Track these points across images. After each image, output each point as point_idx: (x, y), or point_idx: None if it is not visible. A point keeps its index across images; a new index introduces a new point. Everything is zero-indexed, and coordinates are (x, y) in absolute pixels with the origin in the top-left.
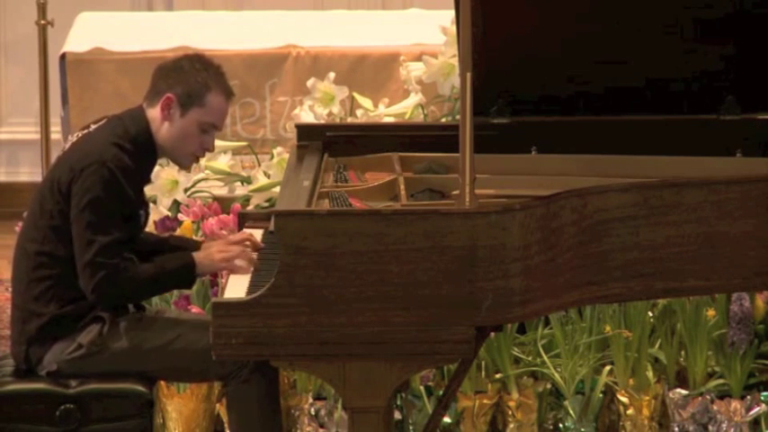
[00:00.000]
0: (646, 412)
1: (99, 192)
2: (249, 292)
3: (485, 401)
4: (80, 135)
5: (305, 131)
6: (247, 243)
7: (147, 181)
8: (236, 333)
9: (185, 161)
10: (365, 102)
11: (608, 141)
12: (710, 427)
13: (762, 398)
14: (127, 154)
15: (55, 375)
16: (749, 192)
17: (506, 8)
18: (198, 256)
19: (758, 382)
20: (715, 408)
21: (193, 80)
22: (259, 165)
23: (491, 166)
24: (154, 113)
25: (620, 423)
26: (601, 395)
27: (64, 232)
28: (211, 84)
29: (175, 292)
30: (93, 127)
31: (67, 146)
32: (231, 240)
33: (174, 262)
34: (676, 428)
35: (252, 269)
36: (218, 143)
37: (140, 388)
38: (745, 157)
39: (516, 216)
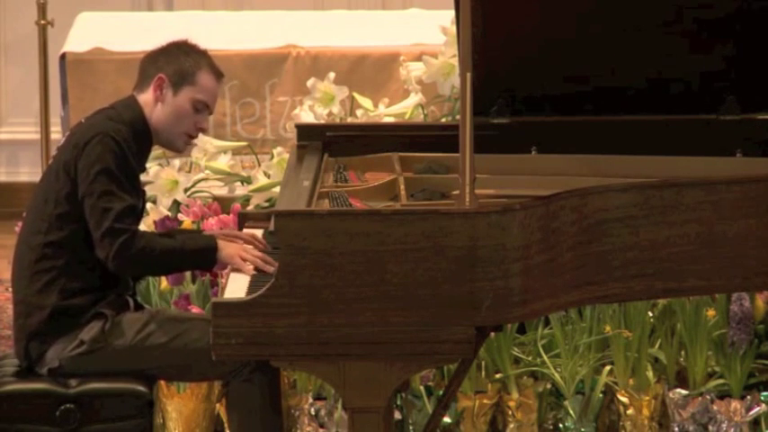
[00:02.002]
0: (646, 412)
1: (107, 161)
2: (249, 292)
3: (485, 401)
4: (74, 128)
5: (305, 131)
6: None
7: (143, 169)
8: (236, 333)
9: (180, 142)
10: (365, 102)
11: (608, 141)
12: (710, 427)
13: (762, 398)
14: (125, 131)
15: (57, 372)
16: (749, 192)
17: (506, 8)
18: (221, 242)
19: (758, 382)
20: (715, 408)
21: (183, 60)
22: (259, 165)
23: (491, 166)
24: (146, 97)
25: (620, 423)
26: (601, 395)
27: (71, 217)
28: (201, 63)
29: (175, 291)
30: (83, 121)
31: (63, 140)
32: (238, 236)
33: (197, 241)
34: (676, 428)
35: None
36: (218, 143)
37: (140, 388)
38: (745, 157)
39: (516, 216)
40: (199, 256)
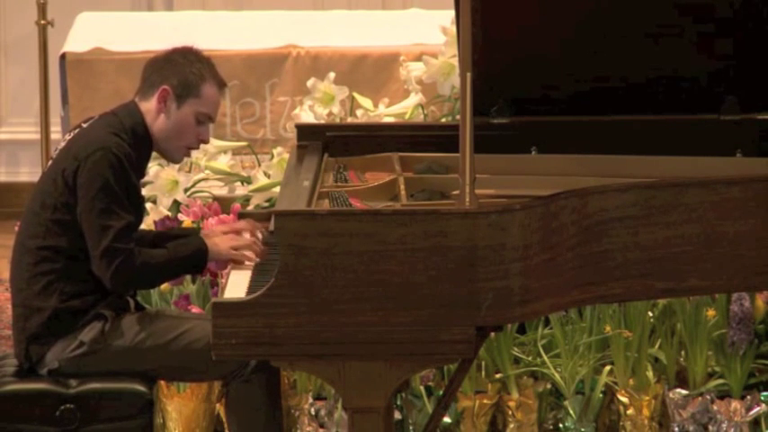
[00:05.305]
0: (646, 412)
1: (108, 177)
2: (249, 292)
3: (485, 401)
4: (75, 133)
5: (305, 131)
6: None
7: (143, 174)
8: (236, 333)
9: (178, 155)
10: (365, 102)
11: (608, 141)
12: (710, 427)
13: (762, 398)
14: (126, 143)
15: (56, 373)
16: (749, 192)
17: (506, 8)
18: (209, 241)
19: (758, 382)
20: (715, 408)
21: (188, 71)
22: (259, 165)
23: (491, 166)
24: (148, 106)
25: (620, 423)
26: (601, 395)
27: (68, 225)
28: (206, 74)
29: (175, 291)
30: (84, 126)
31: (63, 144)
32: (236, 228)
33: (188, 247)
34: (676, 428)
35: (257, 260)
36: (218, 143)
37: (140, 388)
38: (745, 157)
39: (516, 216)
40: (191, 262)
